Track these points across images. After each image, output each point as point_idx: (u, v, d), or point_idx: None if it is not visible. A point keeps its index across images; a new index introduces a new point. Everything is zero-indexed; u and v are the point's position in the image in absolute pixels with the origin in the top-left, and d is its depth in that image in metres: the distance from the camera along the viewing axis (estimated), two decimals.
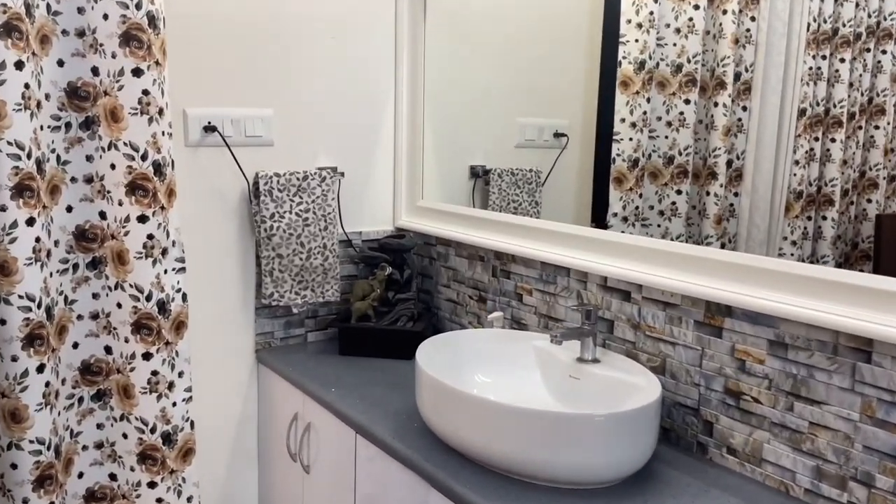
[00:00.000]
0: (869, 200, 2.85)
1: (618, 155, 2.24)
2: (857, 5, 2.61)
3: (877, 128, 2.83)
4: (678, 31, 2.30)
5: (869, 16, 2.70)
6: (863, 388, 1.10)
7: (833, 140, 2.64)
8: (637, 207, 2.29)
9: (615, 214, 2.26)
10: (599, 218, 2.31)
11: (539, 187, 2.21)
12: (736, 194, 2.51)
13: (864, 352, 1.09)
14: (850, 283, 1.12)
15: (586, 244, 1.57)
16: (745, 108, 2.43)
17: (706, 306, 1.32)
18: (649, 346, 1.43)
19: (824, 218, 2.71)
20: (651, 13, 2.20)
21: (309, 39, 1.91)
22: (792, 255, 2.71)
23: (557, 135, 2.27)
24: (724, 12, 2.36)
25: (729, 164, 2.37)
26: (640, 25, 2.19)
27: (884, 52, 2.80)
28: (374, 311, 1.89)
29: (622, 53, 2.19)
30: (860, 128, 2.73)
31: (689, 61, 2.33)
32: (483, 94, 2.12)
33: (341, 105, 1.99)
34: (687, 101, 2.33)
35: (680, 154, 2.36)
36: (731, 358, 1.28)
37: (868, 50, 2.73)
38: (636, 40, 2.20)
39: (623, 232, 2.29)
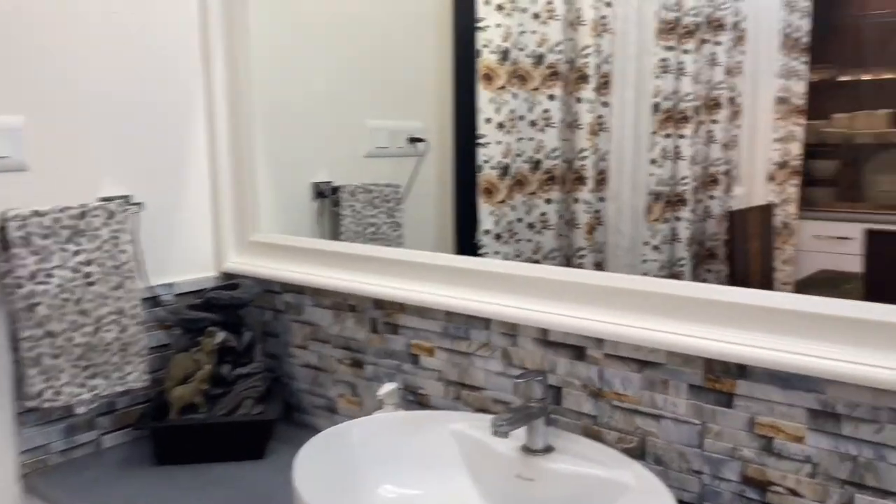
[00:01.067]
0: (712, 197, 2.72)
1: (485, 161, 1.86)
2: None
3: (715, 122, 2.70)
4: (537, 16, 1.97)
5: (708, 4, 2.55)
6: None
7: (682, 136, 2.47)
8: (510, 222, 1.93)
9: (487, 232, 1.88)
10: (468, 237, 1.92)
11: (399, 205, 1.77)
12: (601, 199, 2.25)
13: None
14: None
15: (511, 284, 1.15)
16: (605, 104, 2.17)
17: (705, 365, 0.96)
18: (619, 420, 1.05)
19: (678, 219, 2.53)
20: None
21: (77, 18, 1.31)
22: (655, 261, 2.50)
23: (413, 140, 1.85)
24: None
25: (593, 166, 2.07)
26: (500, 7, 1.82)
27: (717, 43, 2.67)
28: (203, 398, 1.33)
29: (482, 41, 1.81)
30: (701, 123, 2.59)
31: (551, 51, 2.01)
32: (324, 94, 1.64)
33: (132, 110, 1.40)
34: (551, 98, 2.00)
35: (547, 158, 2.04)
36: (750, 435, 0.93)
37: (705, 41, 2.58)
38: (497, 25, 1.82)
39: (498, 253, 1.92)
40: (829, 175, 3.58)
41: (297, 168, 1.62)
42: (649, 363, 1.01)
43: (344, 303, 1.37)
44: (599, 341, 1.05)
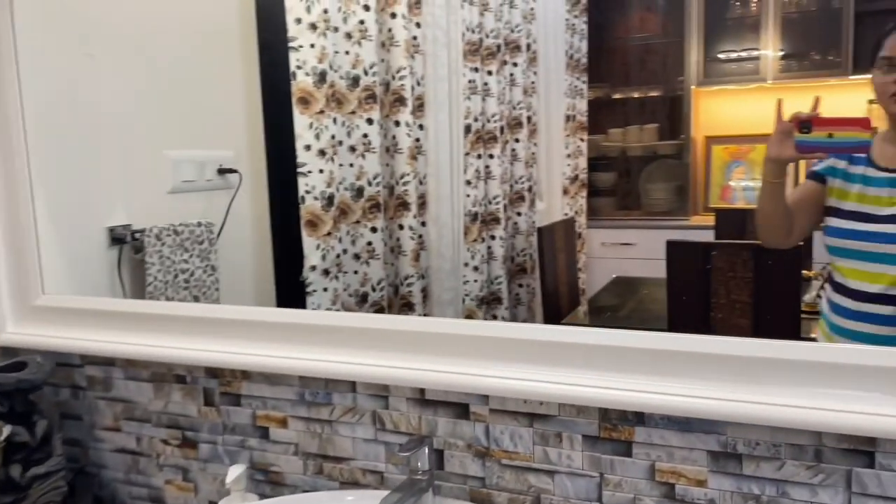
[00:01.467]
0: (519, 214, 2.79)
1: (307, 192, 1.72)
2: (496, 16, 2.49)
3: (517, 141, 2.78)
4: (349, 36, 1.86)
5: (506, 26, 2.60)
6: (865, 501, 0.81)
7: (491, 156, 2.50)
8: (339, 255, 1.80)
9: (314, 268, 1.74)
10: (292, 275, 1.76)
11: (213, 245, 1.58)
12: (423, 224, 2.19)
13: (863, 453, 0.80)
14: (826, 362, 0.82)
15: (380, 339, 1.03)
16: (421, 127, 2.12)
17: (601, 414, 0.91)
18: (510, 480, 0.97)
19: (493, 238, 2.55)
20: (326, 11, 1.71)
21: None
22: (475, 281, 2.49)
23: (224, 171, 1.66)
24: (394, 16, 1.99)
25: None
26: (313, 27, 1.68)
27: (515, 64, 2.75)
28: None
29: (296, 62, 1.67)
30: (506, 142, 2.64)
31: (366, 73, 1.90)
32: (115, 121, 1.41)
33: None
34: (370, 121, 1.90)
35: (370, 184, 1.94)
36: (651, 483, 0.90)
37: (505, 62, 2.64)
38: (311, 45, 1.69)
39: (326, 290, 1.78)
40: (609, 186, 3.81)
41: (88, 211, 1.37)
42: (540, 416, 0.94)
43: (168, 373, 1.16)
44: (484, 397, 0.96)
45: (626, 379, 0.88)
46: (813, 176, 1.38)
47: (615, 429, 0.91)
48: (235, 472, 1.04)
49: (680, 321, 2.00)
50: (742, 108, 3.42)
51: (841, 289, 1.32)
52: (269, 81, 1.72)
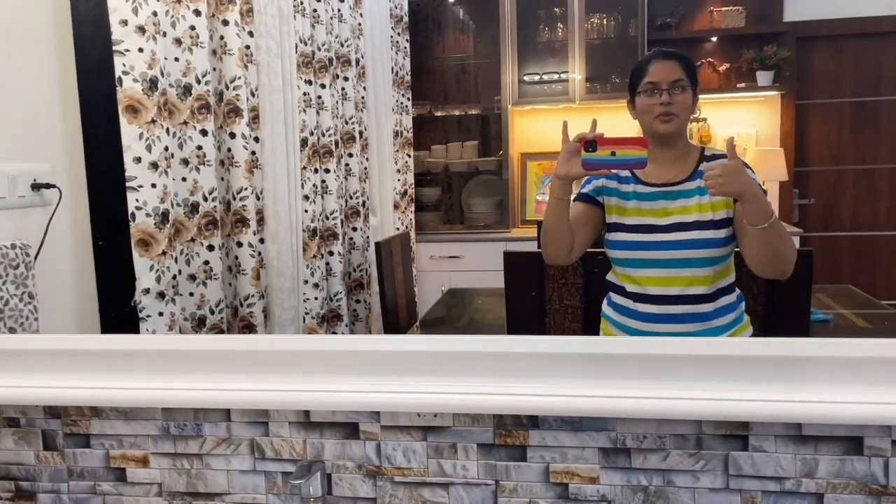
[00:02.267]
0: (354, 229, 2.77)
1: (138, 208, 1.57)
2: (327, 29, 2.46)
3: (351, 155, 2.76)
4: (179, 42, 1.74)
5: (336, 39, 2.58)
6: (741, 482, 0.88)
7: (327, 171, 2.46)
8: (175, 276, 1.67)
9: (147, 291, 1.60)
10: (122, 299, 1.61)
11: (30, 271, 1.40)
12: (262, 241, 2.09)
13: (738, 437, 0.87)
14: (705, 355, 0.88)
15: (258, 361, 0.95)
16: (257, 140, 2.03)
17: (496, 421, 0.92)
18: (404, 498, 0.94)
19: (331, 253, 2.51)
20: (155, 13, 1.58)
21: None
22: (316, 298, 2.43)
23: (38, 186, 1.49)
24: (226, 23, 1.89)
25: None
26: (142, 30, 1.56)
27: (346, 78, 2.73)
28: None
29: (122, 67, 1.53)
30: (341, 157, 2.61)
31: (198, 81, 1.79)
32: None
33: None
34: (204, 133, 1.79)
35: (205, 199, 1.81)
36: (546, 485, 0.92)
37: (337, 76, 2.61)
38: (140, 49, 1.56)
39: (161, 315, 1.64)
40: (433, 201, 3.90)
41: None
42: (434, 428, 0.92)
43: None
44: (375, 413, 0.93)
45: (520, 384, 0.89)
46: (584, 198, 1.48)
47: (510, 434, 0.91)
48: None
49: (518, 327, 2.08)
50: (553, 126, 3.65)
51: (641, 297, 1.43)
52: (90, 87, 1.56)
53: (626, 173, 1.45)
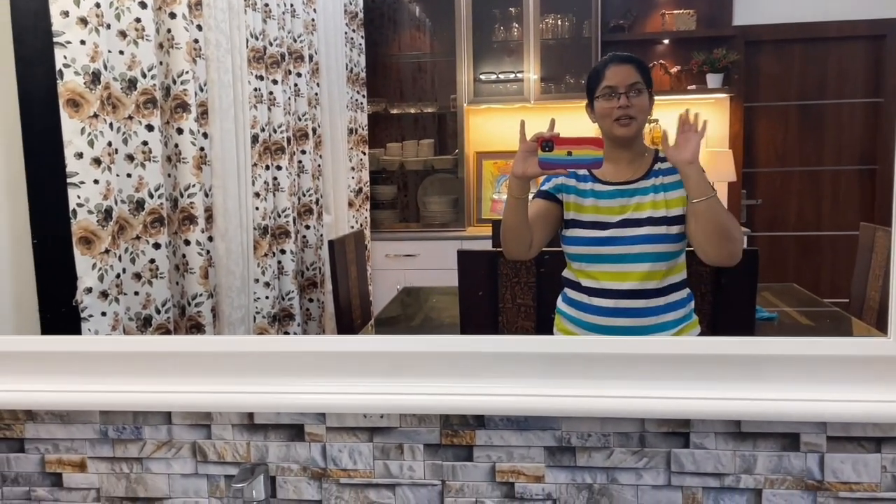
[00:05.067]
0: (307, 227, 2.75)
1: (80, 205, 1.53)
2: (279, 24, 2.43)
3: (304, 153, 2.73)
4: (124, 34, 1.69)
5: (289, 35, 2.55)
6: (682, 479, 0.89)
7: (279, 168, 2.43)
8: (118, 275, 1.62)
9: (89, 290, 1.55)
10: (62, 299, 1.56)
11: None
12: (210, 238, 2.06)
13: (680, 435, 0.88)
14: (648, 354, 0.89)
15: (199, 362, 0.93)
16: (206, 135, 1.99)
17: (442, 421, 0.91)
18: (349, 499, 0.93)
19: (283, 252, 2.48)
20: (98, 5, 1.54)
21: None
22: (266, 297, 2.40)
23: None
24: (173, 16, 1.85)
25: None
26: (84, 21, 1.51)
27: (299, 74, 2.71)
28: None
29: (63, 59, 1.48)
30: (293, 154, 2.59)
31: (144, 75, 1.75)
32: None
33: None
34: (150, 128, 1.75)
35: (151, 196, 1.77)
36: (492, 484, 0.92)
37: (290, 72, 2.59)
38: (82, 42, 1.51)
39: (105, 314, 1.60)
40: (389, 199, 3.87)
41: None
42: (381, 429, 0.92)
43: None
44: (321, 415, 0.92)
45: (467, 384, 0.89)
46: (543, 195, 1.51)
47: (456, 434, 0.91)
48: None
49: (471, 326, 2.08)
50: (509, 125, 3.66)
51: (595, 291, 1.45)
52: (29, 79, 1.51)
53: (583, 172, 1.47)
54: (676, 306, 1.46)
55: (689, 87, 3.41)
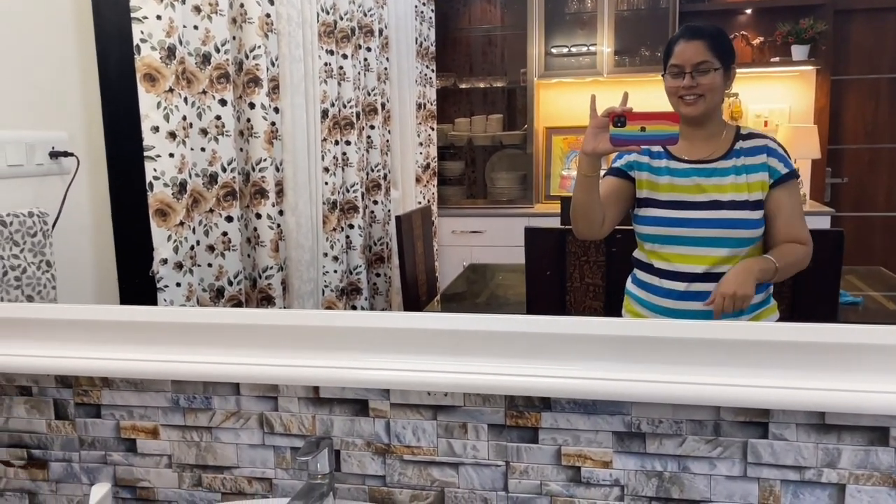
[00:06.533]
0: (375, 202, 2.76)
1: (156, 178, 1.56)
2: None
3: (372, 128, 2.73)
4: (198, 9, 1.71)
5: (359, 9, 2.54)
6: (759, 470, 0.85)
7: (348, 143, 2.44)
8: (192, 247, 1.66)
9: (165, 261, 1.59)
10: (140, 270, 1.60)
11: (47, 239, 1.41)
12: (281, 212, 2.08)
13: (758, 424, 0.84)
14: (726, 339, 0.85)
15: (267, 336, 0.94)
16: (277, 110, 2.01)
17: (507, 402, 0.90)
18: (413, 477, 0.93)
19: (351, 227, 2.49)
20: None
21: None
22: (335, 272, 2.42)
23: (56, 154, 1.48)
24: None
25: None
26: None
27: (369, 49, 2.69)
28: None
29: (140, 34, 1.51)
30: (362, 129, 2.59)
31: (217, 50, 1.77)
32: None
33: None
34: (223, 103, 1.77)
35: (224, 170, 1.80)
36: (558, 468, 0.90)
37: (360, 47, 2.57)
38: (158, 17, 1.53)
39: (179, 285, 1.64)
40: (457, 175, 3.86)
41: None
42: (445, 407, 0.91)
43: (9, 385, 1.00)
44: (385, 391, 0.91)
45: (533, 364, 0.87)
46: (615, 173, 1.45)
47: (521, 416, 0.89)
48: (100, 492, 0.92)
49: (537, 305, 2.06)
50: (580, 100, 3.58)
51: (667, 273, 1.40)
52: (108, 54, 1.54)
53: (657, 148, 1.42)
54: None
55: (771, 60, 3.26)
